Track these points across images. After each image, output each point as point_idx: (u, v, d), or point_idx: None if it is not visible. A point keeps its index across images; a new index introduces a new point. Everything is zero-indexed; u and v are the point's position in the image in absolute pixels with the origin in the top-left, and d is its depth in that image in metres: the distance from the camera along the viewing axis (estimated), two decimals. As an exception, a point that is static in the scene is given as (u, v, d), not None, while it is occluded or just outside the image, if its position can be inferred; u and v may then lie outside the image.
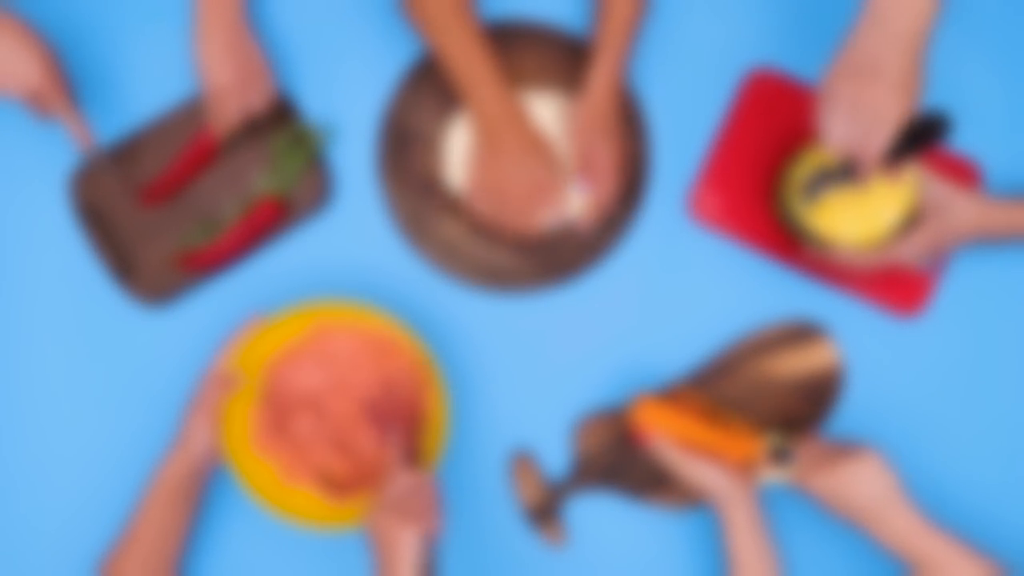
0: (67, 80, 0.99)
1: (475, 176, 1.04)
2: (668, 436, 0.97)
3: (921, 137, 0.89)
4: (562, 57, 1.08)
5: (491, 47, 1.05)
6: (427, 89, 1.09)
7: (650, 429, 0.97)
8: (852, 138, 0.89)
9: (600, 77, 1.01)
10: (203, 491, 1.01)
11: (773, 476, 0.96)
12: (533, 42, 1.08)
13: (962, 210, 0.96)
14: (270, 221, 1.06)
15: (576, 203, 1.05)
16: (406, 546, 0.86)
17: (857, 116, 0.87)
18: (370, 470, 1.02)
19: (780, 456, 0.96)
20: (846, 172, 0.95)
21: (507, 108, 1.00)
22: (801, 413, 1.07)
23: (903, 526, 0.91)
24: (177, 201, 1.08)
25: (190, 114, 1.08)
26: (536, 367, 1.09)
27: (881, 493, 0.91)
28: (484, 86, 1.00)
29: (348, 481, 1.02)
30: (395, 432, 0.99)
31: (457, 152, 1.07)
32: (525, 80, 1.07)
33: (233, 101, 1.01)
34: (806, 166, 1.00)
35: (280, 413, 1.02)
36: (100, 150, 1.06)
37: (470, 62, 0.99)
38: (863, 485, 0.91)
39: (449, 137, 1.07)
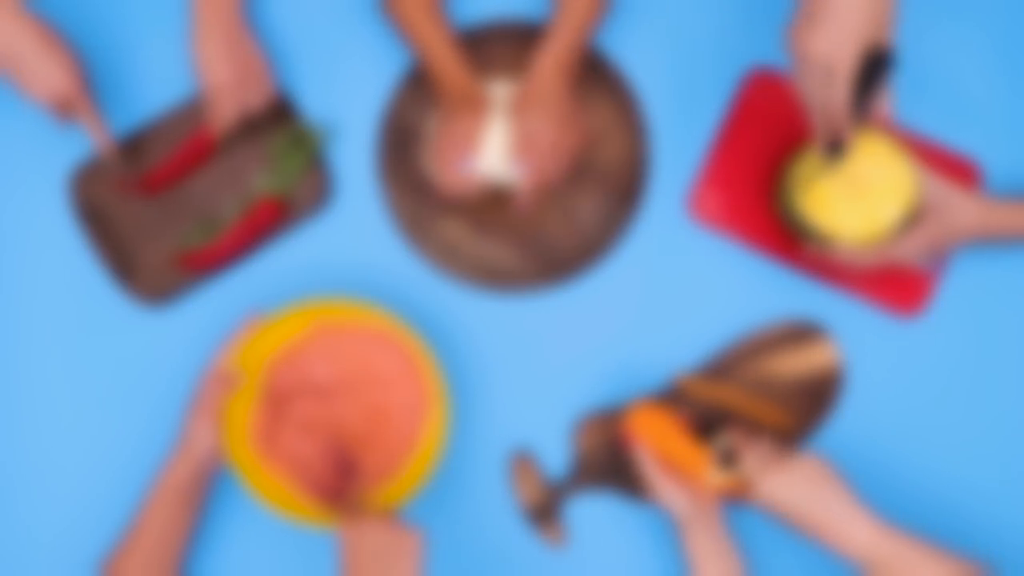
0: (90, 83, 1.01)
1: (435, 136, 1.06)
2: (652, 447, 0.97)
3: (872, 77, 0.89)
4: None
5: (459, 40, 1.08)
6: (427, 89, 1.09)
7: (636, 437, 0.98)
8: (820, 94, 0.88)
9: (544, 57, 1.02)
10: (206, 492, 1.01)
11: (721, 479, 0.96)
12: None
13: (962, 210, 0.96)
14: (270, 221, 1.06)
15: (510, 173, 1.05)
16: (409, 555, 0.87)
17: (812, 70, 0.86)
18: (357, 481, 1.02)
19: (726, 459, 0.96)
20: (832, 148, 0.94)
21: (465, 85, 1.03)
22: (802, 413, 1.07)
23: (852, 532, 0.88)
24: (177, 201, 1.08)
25: (190, 113, 1.08)
26: (536, 367, 1.09)
27: (817, 496, 0.89)
28: (448, 70, 1.02)
29: (336, 487, 1.02)
30: (357, 481, 1.00)
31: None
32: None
33: (231, 100, 1.01)
34: (807, 163, 1.00)
35: (279, 405, 1.02)
36: (118, 153, 1.07)
37: (439, 50, 1.02)
38: (798, 487, 0.90)
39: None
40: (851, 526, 0.89)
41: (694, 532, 0.94)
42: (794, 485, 0.90)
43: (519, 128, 1.03)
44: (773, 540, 1.07)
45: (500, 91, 1.07)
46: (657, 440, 0.97)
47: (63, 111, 1.00)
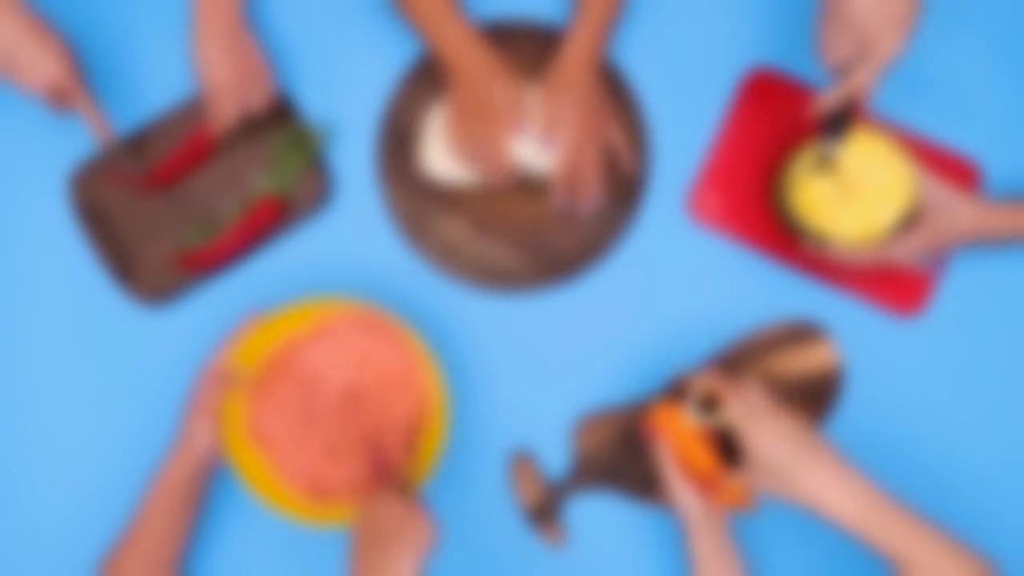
0: (83, 73, 1.01)
1: (452, 119, 1.04)
2: (673, 446, 0.97)
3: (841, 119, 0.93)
4: (547, 52, 1.08)
5: (480, 36, 1.06)
6: (427, 89, 1.09)
7: (660, 433, 0.97)
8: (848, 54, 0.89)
9: (571, 46, 1.02)
10: (205, 490, 1.01)
11: (699, 424, 0.93)
12: (525, 40, 1.08)
13: (959, 212, 0.97)
14: (270, 221, 1.06)
15: (541, 158, 1.04)
16: (414, 535, 0.86)
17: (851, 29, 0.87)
18: (361, 484, 1.02)
19: (706, 404, 0.93)
20: (834, 128, 0.94)
21: (476, 46, 1.02)
22: (802, 413, 1.07)
23: (834, 493, 0.84)
24: (177, 201, 1.08)
25: (191, 113, 1.08)
26: (536, 367, 1.09)
27: (801, 451, 0.86)
28: (458, 36, 1.02)
29: (338, 489, 1.02)
30: (391, 467, 1.00)
31: (440, 144, 1.07)
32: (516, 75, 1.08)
33: (231, 99, 1.01)
34: (806, 163, 1.00)
35: (260, 431, 1.02)
36: (118, 141, 1.07)
37: (451, 28, 1.01)
38: (782, 439, 0.86)
39: (434, 131, 1.07)
40: (835, 488, 0.84)
41: (701, 534, 0.94)
42: (777, 438, 0.87)
43: (549, 113, 1.03)
44: (777, 546, 1.07)
45: (533, 94, 1.06)
46: (678, 440, 0.96)
47: (59, 101, 0.99)
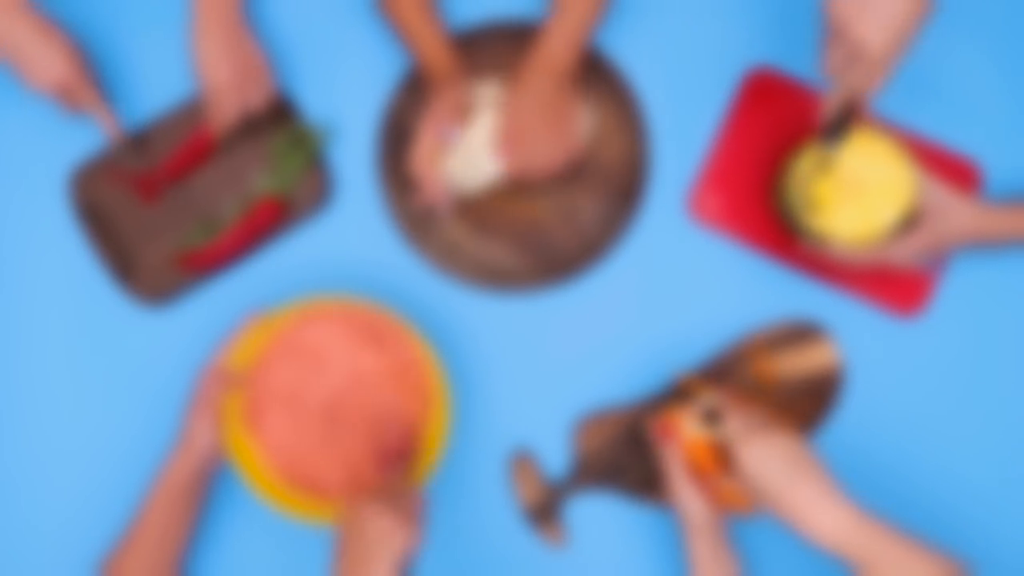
0: (92, 72, 1.03)
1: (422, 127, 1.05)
2: (681, 448, 0.97)
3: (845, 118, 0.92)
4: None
5: (451, 38, 1.07)
6: (427, 89, 1.09)
7: (669, 435, 0.97)
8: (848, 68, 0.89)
9: (538, 53, 1.01)
10: (206, 490, 1.01)
11: (699, 435, 0.95)
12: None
13: (959, 215, 0.97)
14: (270, 221, 1.06)
15: (489, 170, 1.05)
16: (392, 547, 0.86)
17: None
18: (361, 481, 1.02)
19: (709, 417, 0.95)
20: (840, 120, 0.95)
21: (437, 62, 1.03)
22: (801, 413, 1.07)
23: (819, 516, 0.85)
24: (177, 201, 1.08)
25: (191, 113, 1.08)
26: (536, 367, 1.09)
27: (789, 472, 0.86)
28: (433, 64, 1.02)
29: (336, 487, 1.01)
30: (399, 466, 0.99)
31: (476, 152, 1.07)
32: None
33: (231, 99, 1.01)
34: (806, 163, 1.00)
35: (256, 409, 1.01)
36: (128, 140, 1.07)
37: (427, 45, 1.02)
38: (772, 460, 0.87)
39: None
40: (819, 508, 0.85)
41: (702, 537, 0.95)
42: (769, 457, 0.87)
43: (505, 121, 1.03)
44: (771, 549, 1.07)
45: (488, 91, 1.06)
46: (686, 443, 0.97)
47: (68, 100, 1.01)
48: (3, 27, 0.96)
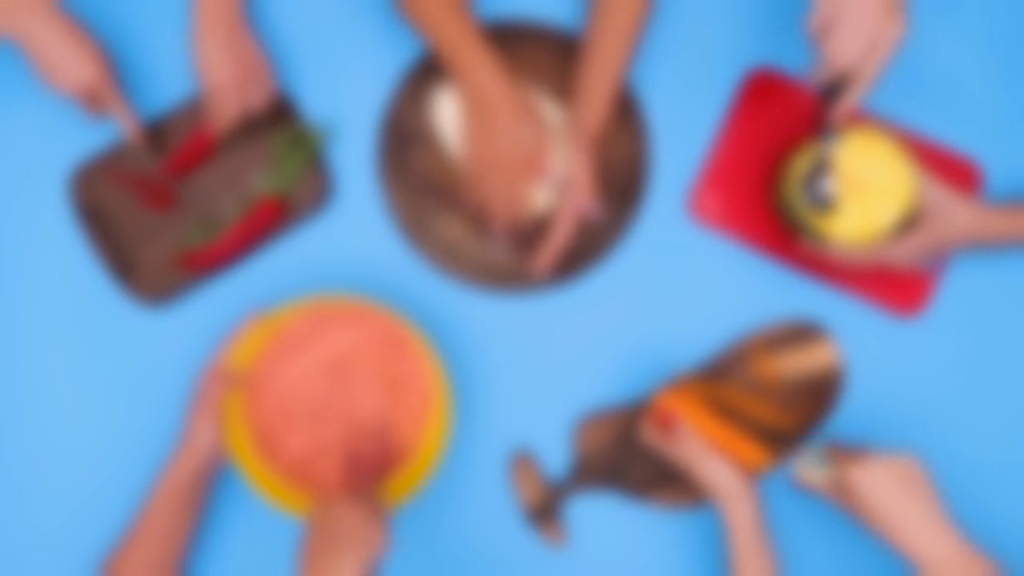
0: (116, 76, 1.04)
1: (470, 154, 1.03)
2: (693, 425, 0.97)
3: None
4: (558, 56, 1.08)
5: (486, 38, 1.05)
6: (427, 89, 1.09)
7: (677, 416, 0.97)
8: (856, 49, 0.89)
9: (591, 95, 1.00)
10: (207, 491, 1.01)
11: (812, 474, 0.95)
12: (530, 41, 1.08)
13: (959, 216, 0.97)
14: (270, 221, 1.06)
15: (543, 202, 1.05)
16: (364, 543, 0.85)
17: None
18: (366, 479, 1.02)
19: (821, 460, 0.95)
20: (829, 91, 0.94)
21: (501, 85, 0.99)
22: (802, 413, 1.07)
23: (926, 546, 0.88)
24: (177, 201, 1.08)
25: (191, 113, 1.08)
26: (536, 367, 1.09)
27: (902, 498, 0.88)
28: (479, 66, 0.99)
29: (337, 482, 1.02)
30: (367, 481, 0.99)
31: (448, 119, 1.07)
32: (530, 79, 1.07)
33: (231, 99, 1.01)
34: (806, 163, 1.00)
35: (272, 418, 1.01)
36: (149, 144, 1.07)
37: (467, 47, 0.99)
38: (887, 485, 0.89)
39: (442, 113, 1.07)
40: (929, 538, 0.87)
41: (739, 506, 0.94)
42: (884, 481, 0.89)
43: (568, 168, 1.01)
44: (798, 517, 1.07)
45: (548, 113, 1.05)
46: (692, 419, 0.97)
47: (92, 103, 1.01)
48: (34, 29, 0.96)
